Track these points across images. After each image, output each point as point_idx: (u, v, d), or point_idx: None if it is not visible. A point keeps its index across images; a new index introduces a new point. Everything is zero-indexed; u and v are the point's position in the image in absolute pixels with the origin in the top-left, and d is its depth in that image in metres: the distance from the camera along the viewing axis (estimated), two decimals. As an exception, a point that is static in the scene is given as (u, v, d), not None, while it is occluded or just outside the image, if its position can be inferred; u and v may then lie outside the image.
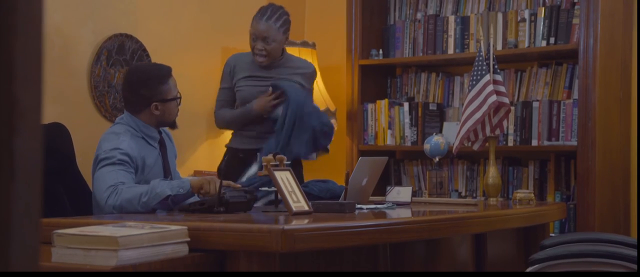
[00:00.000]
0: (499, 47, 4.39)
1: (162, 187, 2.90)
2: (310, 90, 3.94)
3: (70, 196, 3.22)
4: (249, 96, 3.79)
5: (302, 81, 3.84)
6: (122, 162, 3.00)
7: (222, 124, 3.95)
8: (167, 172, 3.28)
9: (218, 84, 4.03)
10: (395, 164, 4.82)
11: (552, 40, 4.26)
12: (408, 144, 4.67)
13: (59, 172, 3.20)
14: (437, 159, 3.90)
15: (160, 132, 3.28)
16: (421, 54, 4.69)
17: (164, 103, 3.18)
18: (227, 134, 4.09)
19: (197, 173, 4.51)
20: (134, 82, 3.18)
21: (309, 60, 4.74)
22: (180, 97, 3.25)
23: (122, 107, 4.07)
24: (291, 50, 4.66)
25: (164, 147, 3.29)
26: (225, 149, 3.96)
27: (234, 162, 3.82)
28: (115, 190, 2.90)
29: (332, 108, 4.80)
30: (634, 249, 2.73)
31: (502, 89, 3.75)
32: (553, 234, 4.01)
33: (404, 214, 3.12)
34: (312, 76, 3.92)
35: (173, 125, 3.29)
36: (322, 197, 3.20)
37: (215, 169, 4.51)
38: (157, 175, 3.16)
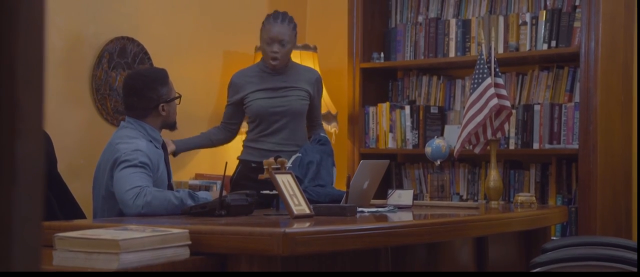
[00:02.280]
0: (500, 50, 4.39)
1: (191, 203, 2.95)
2: (318, 95, 3.93)
3: (56, 199, 3.22)
4: (260, 110, 3.79)
5: (309, 88, 3.85)
6: (143, 165, 3.04)
7: None
8: (169, 176, 3.32)
9: (219, 87, 4.03)
10: (396, 167, 4.81)
11: (553, 43, 4.26)
12: (409, 147, 4.67)
13: (45, 177, 3.20)
14: (439, 162, 3.90)
15: (161, 136, 3.32)
16: (422, 57, 4.69)
17: (168, 103, 3.28)
18: (236, 143, 4.08)
19: (198, 176, 4.51)
20: (139, 87, 3.23)
21: (310, 63, 4.74)
22: (180, 96, 3.33)
23: (123, 112, 4.08)
24: (292, 53, 4.66)
25: (165, 151, 3.33)
26: (237, 161, 3.95)
27: (247, 172, 3.82)
28: (142, 191, 2.93)
29: (334, 111, 4.80)
30: (635, 253, 2.73)
31: (504, 92, 3.75)
32: (554, 238, 4.01)
33: (406, 217, 3.12)
34: (317, 82, 3.91)
35: (173, 127, 3.35)
36: (320, 201, 3.19)
37: (216, 172, 4.52)
38: (164, 179, 3.21)
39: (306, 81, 3.86)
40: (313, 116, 3.95)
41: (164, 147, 3.32)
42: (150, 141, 3.21)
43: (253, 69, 3.88)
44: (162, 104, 3.25)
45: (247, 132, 3.94)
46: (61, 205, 3.22)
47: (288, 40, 3.74)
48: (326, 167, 3.55)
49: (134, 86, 3.26)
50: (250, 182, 3.68)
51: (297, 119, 3.83)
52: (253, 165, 3.80)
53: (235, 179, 3.85)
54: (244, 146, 3.92)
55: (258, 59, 4.52)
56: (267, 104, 3.78)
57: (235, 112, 3.89)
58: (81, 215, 3.29)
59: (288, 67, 3.84)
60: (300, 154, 3.54)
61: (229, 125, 3.94)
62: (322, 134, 3.87)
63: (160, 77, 3.28)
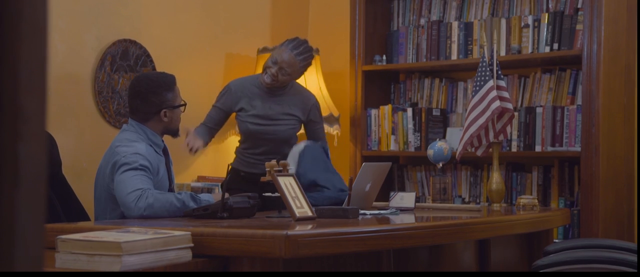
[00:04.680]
0: (503, 52, 4.39)
1: (193, 205, 2.94)
2: (316, 119, 3.89)
3: (60, 202, 3.23)
4: (247, 133, 3.80)
5: (302, 115, 3.83)
6: (144, 168, 3.03)
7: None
8: (171, 181, 3.32)
9: (221, 89, 4.03)
10: (398, 170, 4.81)
11: (555, 46, 4.26)
12: (411, 149, 4.67)
13: (48, 179, 3.20)
14: (441, 165, 3.90)
15: (162, 141, 3.31)
16: (424, 60, 4.69)
17: (172, 110, 3.26)
18: (230, 144, 4.08)
19: (200, 178, 4.51)
20: (144, 91, 3.23)
21: (312, 66, 4.74)
22: (185, 104, 3.32)
23: (127, 114, 4.09)
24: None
25: (167, 156, 3.33)
26: (229, 167, 3.95)
27: (236, 180, 3.84)
28: (144, 193, 2.92)
29: (336, 114, 4.81)
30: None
31: (506, 94, 3.75)
32: (557, 240, 4.01)
33: (408, 219, 3.12)
34: (313, 108, 3.86)
35: (176, 133, 3.34)
36: (319, 205, 3.19)
37: (218, 175, 4.53)
38: (165, 183, 3.21)
39: (300, 108, 3.83)
40: (314, 139, 3.89)
41: (165, 152, 3.32)
42: (151, 145, 3.20)
43: (252, 82, 3.85)
44: (164, 110, 3.23)
45: (239, 141, 3.95)
46: (65, 207, 3.23)
47: (289, 72, 3.71)
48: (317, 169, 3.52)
49: (138, 89, 3.26)
50: (240, 187, 3.68)
51: (283, 145, 3.82)
52: (242, 174, 3.83)
53: (226, 184, 3.85)
54: (236, 154, 3.93)
55: (260, 63, 4.53)
56: (256, 130, 3.78)
57: (221, 119, 3.88)
58: (85, 217, 3.29)
59: (286, 90, 3.82)
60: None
61: (212, 129, 3.91)
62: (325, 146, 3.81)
63: (167, 83, 3.27)
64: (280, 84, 3.75)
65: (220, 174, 4.48)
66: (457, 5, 4.67)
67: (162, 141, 3.30)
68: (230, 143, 4.61)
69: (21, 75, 0.78)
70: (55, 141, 3.34)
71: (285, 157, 3.77)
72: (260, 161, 3.74)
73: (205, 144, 3.83)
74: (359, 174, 3.20)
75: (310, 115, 3.86)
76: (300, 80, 4.00)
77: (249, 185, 3.63)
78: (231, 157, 4.22)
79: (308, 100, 3.87)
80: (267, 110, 3.79)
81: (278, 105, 3.79)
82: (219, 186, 4.23)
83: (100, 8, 4.10)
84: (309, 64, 3.79)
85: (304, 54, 3.73)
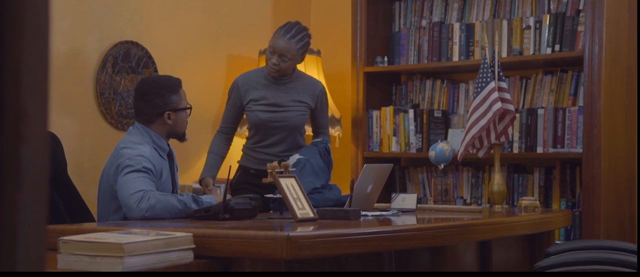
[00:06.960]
0: (504, 54, 4.39)
1: (194, 206, 2.94)
2: (322, 107, 3.91)
3: (65, 203, 3.23)
4: (258, 122, 3.79)
5: (310, 101, 3.83)
6: (147, 170, 3.04)
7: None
8: (175, 185, 3.32)
9: (223, 91, 4.04)
10: (400, 171, 4.82)
11: (557, 47, 4.26)
12: (413, 151, 4.67)
13: (53, 180, 3.21)
14: (442, 166, 3.90)
15: (168, 145, 3.32)
16: (426, 61, 4.70)
17: (175, 112, 3.26)
18: (233, 146, 4.08)
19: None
20: (147, 92, 3.23)
21: (314, 67, 4.75)
22: (190, 108, 3.32)
23: (129, 115, 4.10)
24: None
25: (171, 160, 3.33)
26: (237, 165, 3.95)
27: (246, 178, 3.83)
28: (146, 195, 2.93)
29: (337, 115, 4.81)
30: None
31: (507, 96, 3.75)
32: (558, 242, 4.01)
33: (409, 221, 3.12)
34: (321, 95, 3.88)
35: (183, 138, 3.33)
36: (319, 207, 3.19)
37: (220, 176, 4.52)
38: (167, 187, 3.21)
39: (309, 94, 3.83)
40: (317, 125, 3.92)
41: (170, 156, 3.32)
42: (155, 149, 3.21)
43: (258, 74, 3.86)
44: (168, 112, 3.23)
45: (247, 138, 3.94)
46: (70, 209, 3.23)
47: (289, 58, 3.71)
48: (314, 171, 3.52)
49: (142, 90, 3.27)
50: (250, 187, 3.69)
51: (295, 132, 3.82)
52: (252, 172, 3.81)
53: (234, 184, 3.85)
54: (243, 151, 3.93)
55: (261, 65, 4.53)
56: (267, 118, 3.77)
57: (236, 117, 3.88)
58: (90, 219, 3.30)
59: (292, 77, 3.82)
60: (301, 157, 3.55)
61: (231, 132, 3.92)
62: (327, 145, 3.81)
63: (171, 85, 3.27)
64: (284, 72, 3.75)
65: (222, 175, 4.48)
66: (459, 7, 4.67)
67: (168, 144, 3.30)
68: (232, 144, 4.61)
69: (23, 76, 0.78)
70: (61, 142, 3.35)
71: (296, 145, 3.79)
72: (270, 155, 3.74)
73: (217, 171, 3.83)
74: (360, 176, 3.20)
75: (318, 102, 3.87)
76: None
77: (260, 182, 3.63)
78: (233, 158, 4.22)
79: (316, 87, 3.87)
80: (276, 99, 3.78)
81: (286, 94, 3.80)
82: (220, 188, 4.23)
83: (102, 10, 4.10)
84: (307, 44, 3.77)
85: (297, 36, 3.72)
